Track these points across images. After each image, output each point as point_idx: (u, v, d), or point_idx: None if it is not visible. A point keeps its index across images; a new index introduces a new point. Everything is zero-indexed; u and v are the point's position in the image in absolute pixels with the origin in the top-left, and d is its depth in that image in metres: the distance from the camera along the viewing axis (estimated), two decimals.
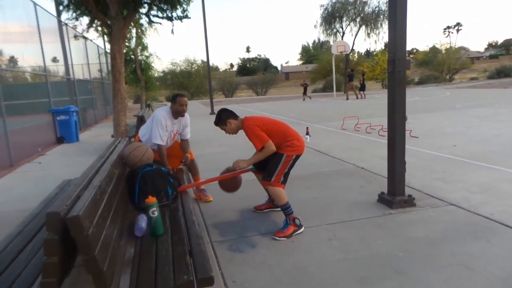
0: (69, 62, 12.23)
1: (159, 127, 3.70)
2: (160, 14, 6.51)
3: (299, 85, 25.47)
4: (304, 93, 23.69)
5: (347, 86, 21.86)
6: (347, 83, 21.97)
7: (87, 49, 15.25)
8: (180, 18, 6.49)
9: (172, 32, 7.19)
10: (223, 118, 3.26)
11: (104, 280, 1.70)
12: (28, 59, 9.30)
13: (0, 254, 2.14)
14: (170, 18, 6.50)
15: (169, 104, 3.83)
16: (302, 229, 3.16)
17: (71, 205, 1.77)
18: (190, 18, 6.51)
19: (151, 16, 6.66)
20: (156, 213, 2.42)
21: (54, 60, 11.66)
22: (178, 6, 6.30)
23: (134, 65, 18.59)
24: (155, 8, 6.46)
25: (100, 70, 18.00)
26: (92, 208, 1.84)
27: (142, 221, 2.49)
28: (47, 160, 7.21)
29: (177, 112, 3.76)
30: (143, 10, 6.60)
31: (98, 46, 17.61)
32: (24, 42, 8.82)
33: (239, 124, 3.23)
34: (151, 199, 2.45)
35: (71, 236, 1.63)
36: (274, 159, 3.13)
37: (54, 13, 11.09)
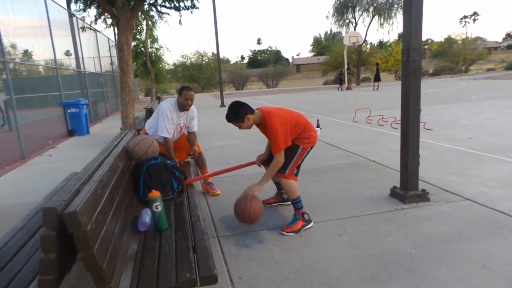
0: (80, 55, 12.27)
1: (165, 120, 3.63)
2: (167, 4, 6.42)
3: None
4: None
5: (347, 78, 24.04)
6: (348, 75, 24.13)
7: (98, 42, 15.28)
8: (188, 8, 6.39)
9: (180, 23, 7.06)
10: (242, 115, 2.84)
11: (103, 277, 1.65)
12: (39, 52, 9.35)
13: (2, 248, 2.11)
14: (177, 8, 6.40)
15: (176, 96, 3.76)
16: (311, 224, 3.08)
17: (70, 200, 1.72)
18: (198, 8, 6.41)
19: (158, 7, 6.57)
20: (159, 208, 2.36)
21: (65, 53, 11.72)
22: None
23: (144, 58, 18.56)
24: None
25: (111, 63, 18.06)
26: (92, 203, 1.79)
27: (146, 216, 2.44)
28: (57, 153, 7.25)
29: (182, 106, 3.69)
30: (151, 1, 6.51)
31: (108, 39, 17.65)
32: (34, 35, 8.85)
33: (257, 118, 2.92)
34: (155, 193, 2.39)
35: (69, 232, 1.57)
36: (290, 151, 2.99)
37: (65, 5, 11.10)
